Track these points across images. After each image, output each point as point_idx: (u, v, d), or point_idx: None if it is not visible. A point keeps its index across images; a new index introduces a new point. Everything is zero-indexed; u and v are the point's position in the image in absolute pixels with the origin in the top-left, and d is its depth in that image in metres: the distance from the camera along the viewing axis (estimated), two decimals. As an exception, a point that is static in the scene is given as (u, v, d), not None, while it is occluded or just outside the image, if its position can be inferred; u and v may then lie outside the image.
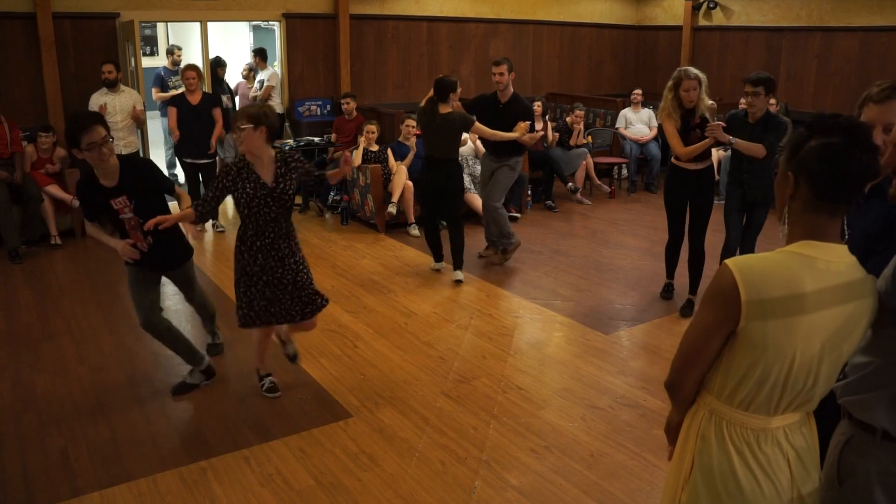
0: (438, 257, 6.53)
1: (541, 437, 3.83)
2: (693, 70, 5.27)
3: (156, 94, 9.86)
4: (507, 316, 5.51)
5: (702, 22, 11.67)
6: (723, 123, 5.12)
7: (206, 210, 3.97)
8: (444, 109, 5.97)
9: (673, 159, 5.53)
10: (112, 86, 7.74)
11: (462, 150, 8.05)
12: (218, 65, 9.35)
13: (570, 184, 9.01)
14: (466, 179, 7.96)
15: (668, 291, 5.90)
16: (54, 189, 7.63)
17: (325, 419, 4.02)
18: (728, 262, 1.77)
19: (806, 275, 1.73)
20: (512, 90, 6.57)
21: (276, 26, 9.95)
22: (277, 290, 4.00)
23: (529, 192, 8.78)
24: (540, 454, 3.68)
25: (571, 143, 9.23)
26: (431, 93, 6.10)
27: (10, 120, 7.54)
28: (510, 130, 6.24)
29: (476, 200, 7.85)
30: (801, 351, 1.75)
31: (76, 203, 7.69)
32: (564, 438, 3.82)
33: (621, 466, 3.58)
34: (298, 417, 4.05)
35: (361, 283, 6.22)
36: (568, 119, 9.37)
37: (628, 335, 5.19)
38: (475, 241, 7.08)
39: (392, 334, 5.18)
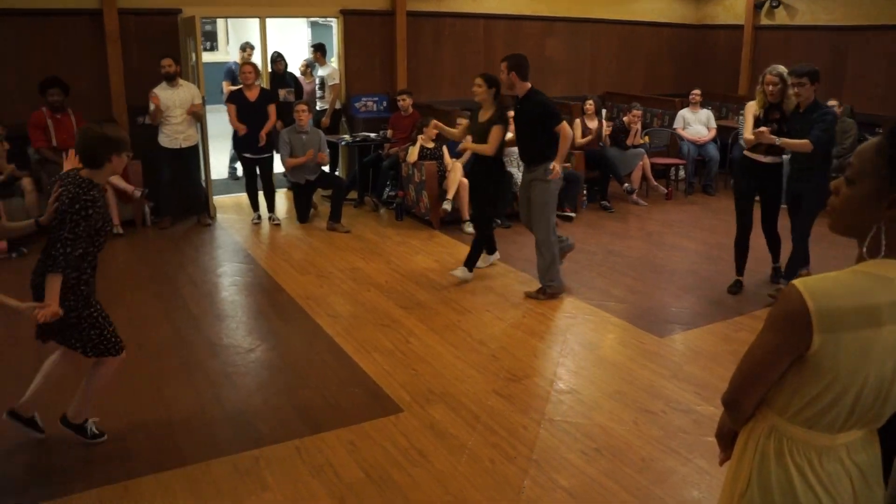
0: (490, 249, 6.53)
1: (592, 439, 3.80)
2: (778, 68, 5.50)
3: (226, 88, 10.05)
4: (561, 316, 5.47)
5: (764, 21, 11.43)
6: (767, 129, 5.35)
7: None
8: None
9: (744, 150, 5.75)
10: (171, 80, 7.90)
11: (514, 149, 8.02)
12: (276, 60, 9.47)
13: (626, 184, 8.92)
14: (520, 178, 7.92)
15: (736, 286, 5.95)
16: (116, 180, 7.81)
17: (376, 413, 4.05)
18: (795, 282, 1.68)
19: (880, 290, 1.64)
20: (528, 86, 5.94)
21: (334, 22, 10.03)
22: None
23: (585, 191, 8.70)
24: (590, 456, 3.65)
25: (628, 142, 9.12)
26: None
27: (77, 112, 7.76)
28: (530, 132, 5.72)
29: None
30: (874, 372, 1.67)
31: (138, 193, 7.89)
32: (616, 441, 3.78)
33: (672, 472, 3.53)
34: (350, 410, 4.09)
35: (415, 279, 6.24)
36: (625, 119, 9.27)
37: (683, 339, 5.12)
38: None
39: (445, 331, 5.19)
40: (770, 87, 5.45)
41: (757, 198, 5.84)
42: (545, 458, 3.63)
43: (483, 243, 6.23)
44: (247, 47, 10.53)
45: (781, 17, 11.16)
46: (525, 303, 5.72)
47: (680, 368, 4.63)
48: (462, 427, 3.91)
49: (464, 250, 6.92)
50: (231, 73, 10.19)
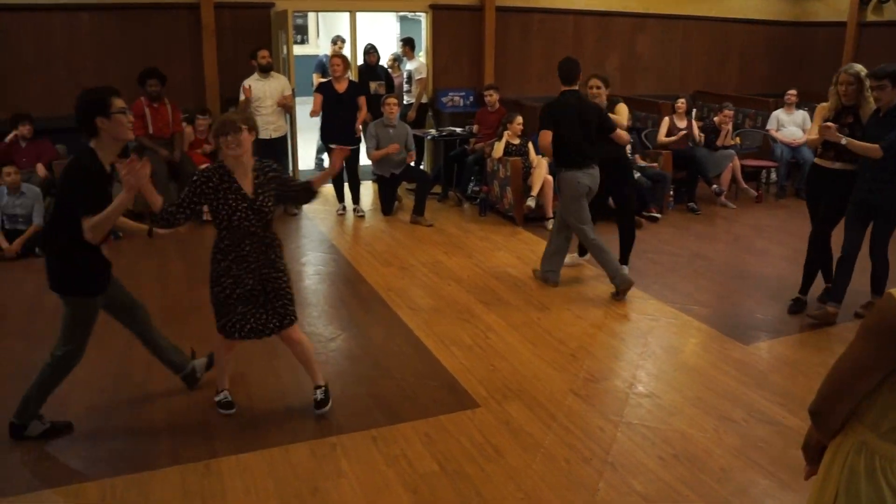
0: (583, 251, 6.50)
1: (670, 444, 3.74)
2: (856, 67, 5.13)
3: (316, 80, 10.27)
4: (643, 318, 5.40)
5: (870, 17, 10.94)
6: (833, 125, 4.94)
7: (175, 215, 3.70)
8: None
9: (815, 157, 5.40)
10: (267, 71, 8.12)
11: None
12: (369, 52, 9.60)
13: (715, 186, 8.70)
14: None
15: (798, 307, 5.53)
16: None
17: (452, 407, 4.09)
18: (892, 291, 1.63)
19: None
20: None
21: (423, 17, 10.11)
22: (250, 303, 3.80)
23: (672, 192, 8.53)
24: (668, 462, 3.59)
25: (718, 143, 8.89)
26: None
27: (173, 102, 8.05)
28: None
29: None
30: None
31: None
32: (694, 448, 3.71)
33: (753, 484, 3.44)
34: (427, 403, 4.13)
35: (496, 274, 6.25)
36: (716, 119, 9.04)
37: (768, 347, 4.98)
38: (611, 238, 6.93)
39: (524, 328, 5.18)
40: (843, 88, 5.08)
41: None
42: (621, 461, 3.59)
43: (633, 236, 6.24)
44: (338, 40, 10.73)
45: (892, 12, 10.65)
46: (607, 303, 5.66)
47: (764, 377, 4.51)
48: (538, 425, 3.90)
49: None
50: (322, 66, 10.41)
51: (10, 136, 7.75)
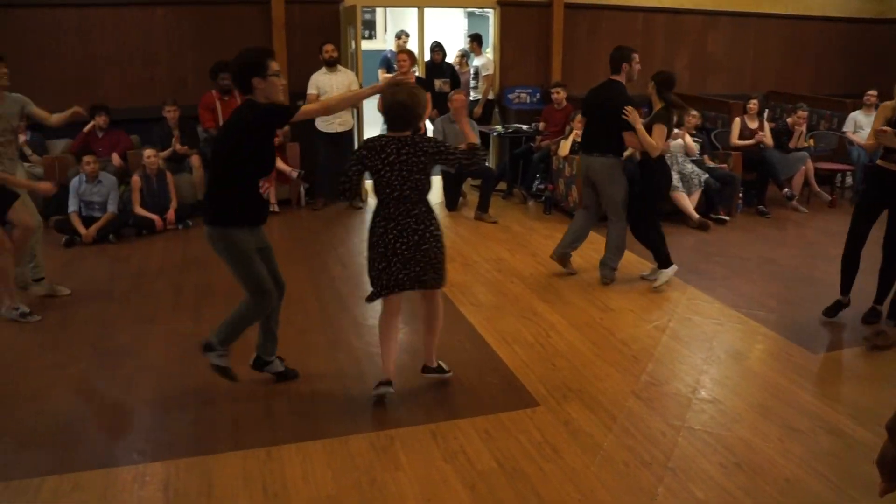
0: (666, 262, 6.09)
1: (732, 452, 3.66)
2: None
3: (381, 76, 10.35)
4: (708, 322, 5.29)
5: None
6: (889, 129, 4.74)
7: (347, 187, 4.02)
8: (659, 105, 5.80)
9: (878, 159, 5.16)
10: (331, 65, 8.21)
11: (672, 145, 7.81)
12: (434, 50, 9.63)
13: (787, 189, 8.47)
14: (675, 177, 7.70)
15: (835, 310, 5.31)
16: (277, 161, 8.21)
17: (512, 405, 4.08)
18: None
19: None
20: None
21: (491, 13, 10.09)
22: (402, 262, 3.95)
23: (741, 194, 8.34)
24: (730, 470, 3.51)
25: (791, 145, 8.65)
26: None
27: (242, 96, 8.19)
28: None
29: (683, 199, 7.62)
30: None
31: (295, 175, 8.27)
32: (758, 457, 3.62)
33: (818, 498, 3.34)
34: (486, 400, 4.13)
35: (560, 273, 6.20)
36: (789, 120, 8.80)
37: (839, 357, 4.83)
38: (677, 239, 6.84)
39: (586, 328, 5.14)
40: None
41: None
42: (682, 466, 3.53)
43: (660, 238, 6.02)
44: (402, 35, 10.79)
45: None
46: (672, 306, 5.57)
47: (834, 388, 4.38)
48: (598, 426, 3.86)
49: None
50: (387, 62, 10.47)
51: (88, 126, 8.02)
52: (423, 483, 3.38)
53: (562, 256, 6.18)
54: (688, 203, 7.67)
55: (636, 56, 5.89)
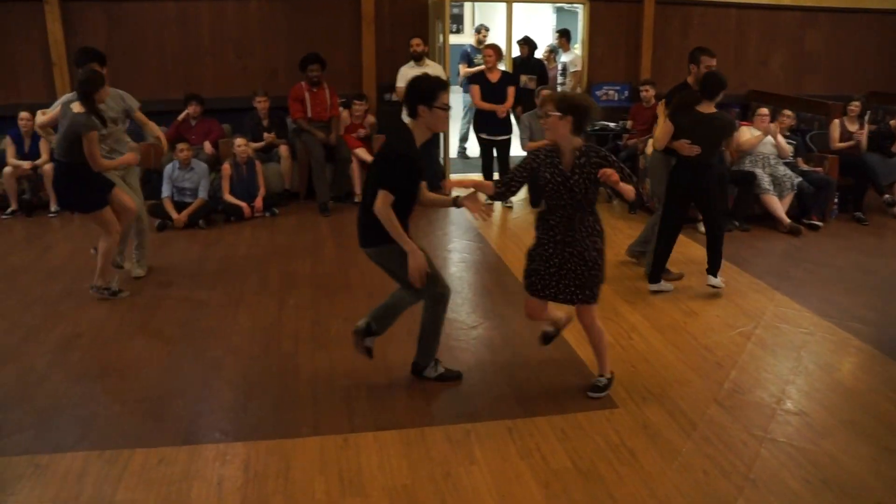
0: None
1: (818, 468, 3.51)
2: None
3: (462, 70, 10.37)
4: (797, 331, 5.11)
5: None
6: None
7: (508, 189, 4.09)
8: (708, 109, 5.48)
9: None
10: (419, 59, 8.27)
11: (762, 149, 7.59)
12: (523, 43, 9.57)
13: (887, 196, 8.09)
14: (766, 180, 7.47)
15: None
16: (362, 152, 8.33)
17: (590, 405, 4.03)
18: None
19: None
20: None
21: (580, 9, 9.97)
22: (558, 275, 3.99)
23: (836, 200, 8.01)
24: (815, 487, 3.37)
25: (893, 149, 8.26)
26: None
27: (332, 87, 8.36)
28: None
29: (774, 203, 7.38)
30: None
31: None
32: (846, 476, 3.46)
33: (913, 522, 3.19)
34: (565, 399, 4.09)
35: (643, 274, 6.08)
36: (892, 122, 8.40)
37: (938, 373, 4.59)
38: (766, 244, 6.63)
39: (669, 331, 5.03)
40: None
41: None
42: (763, 479, 3.42)
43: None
44: (481, 29, 10.77)
45: None
46: (759, 312, 5.39)
47: (933, 406, 4.16)
48: (677, 432, 3.78)
49: (697, 251, 6.62)
50: (466, 56, 10.45)
51: (182, 114, 8.30)
52: (498, 478, 3.38)
53: (634, 254, 6.25)
54: (779, 207, 7.42)
55: (706, 59, 5.84)
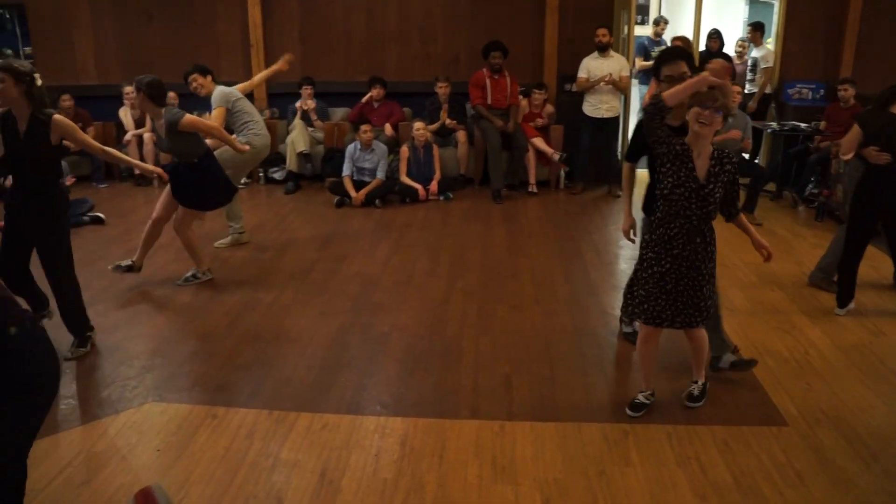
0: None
1: None
2: None
3: (639, 63, 10.10)
4: None
5: None
6: None
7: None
8: None
9: None
10: (603, 50, 8.12)
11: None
12: (712, 37, 9.17)
13: None
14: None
15: None
16: (539, 142, 8.32)
17: (757, 420, 3.83)
18: None
19: None
20: None
21: (776, 0, 9.40)
22: (671, 296, 3.66)
23: None
24: None
25: None
26: None
27: (512, 75, 8.37)
28: None
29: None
30: None
31: (556, 157, 8.32)
32: None
33: None
34: (730, 410, 3.91)
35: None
36: None
37: None
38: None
39: (852, 350, 4.67)
40: None
41: None
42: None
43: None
44: (660, 21, 10.43)
45: None
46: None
47: None
48: (854, 461, 3.50)
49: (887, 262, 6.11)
50: (643, 49, 10.16)
51: (366, 97, 8.62)
52: (652, 483, 3.29)
53: (818, 281, 5.65)
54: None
55: None
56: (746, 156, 7.97)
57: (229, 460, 3.39)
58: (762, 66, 9.16)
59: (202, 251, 5.80)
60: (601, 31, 8.17)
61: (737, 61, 9.54)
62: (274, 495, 3.17)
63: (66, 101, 8.51)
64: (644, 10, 16.80)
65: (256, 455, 3.45)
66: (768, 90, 9.16)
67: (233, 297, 5.38)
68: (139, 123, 8.77)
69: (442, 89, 8.53)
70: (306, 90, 8.69)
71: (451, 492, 3.22)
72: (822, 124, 8.19)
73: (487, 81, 8.29)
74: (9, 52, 9.62)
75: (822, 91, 9.13)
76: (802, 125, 8.46)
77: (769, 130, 8.65)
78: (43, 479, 3.23)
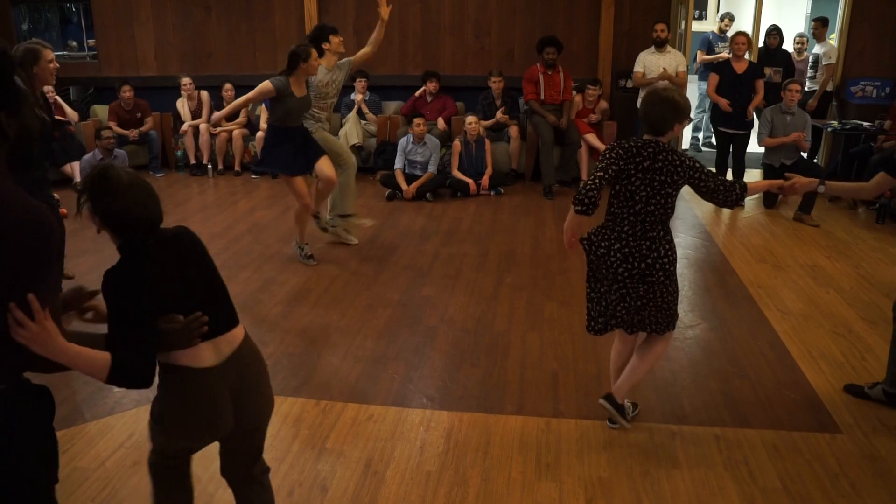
0: None
1: None
2: None
3: (700, 56, 9.93)
4: None
5: None
6: None
7: (589, 199, 3.37)
8: None
9: None
10: (660, 45, 8.01)
11: None
12: (771, 34, 8.96)
13: None
14: None
15: None
16: (592, 138, 8.25)
17: (809, 426, 3.74)
18: None
19: None
20: None
21: (842, -5, 9.14)
22: (621, 294, 3.45)
23: None
24: None
25: None
26: None
27: (566, 70, 8.31)
28: None
29: None
30: None
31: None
32: None
33: None
34: (781, 414, 3.83)
35: (887, 291, 5.49)
36: None
37: None
38: None
39: (910, 357, 4.54)
40: None
41: None
42: None
43: None
44: (726, 17, 10.24)
45: None
46: None
47: None
48: (911, 471, 3.41)
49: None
50: (707, 43, 9.99)
51: (420, 90, 8.65)
52: (698, 486, 3.24)
53: None
54: None
55: None
56: (805, 155, 7.78)
57: (276, 448, 3.43)
58: (824, 62, 8.91)
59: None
60: (659, 26, 8.05)
61: (796, 58, 9.31)
62: (319, 484, 3.21)
63: (127, 91, 8.72)
64: (702, 5, 16.47)
65: (303, 443, 3.50)
66: (830, 87, 8.92)
67: (283, 287, 5.46)
68: (195, 114, 8.93)
69: (496, 84, 8.50)
70: (360, 83, 8.76)
71: (494, 487, 3.21)
72: (887, 123, 7.94)
73: (541, 77, 8.23)
74: (73, 43, 9.93)
75: (887, 89, 8.86)
76: (865, 124, 8.22)
77: (829, 129, 8.42)
78: (96, 460, 3.33)
